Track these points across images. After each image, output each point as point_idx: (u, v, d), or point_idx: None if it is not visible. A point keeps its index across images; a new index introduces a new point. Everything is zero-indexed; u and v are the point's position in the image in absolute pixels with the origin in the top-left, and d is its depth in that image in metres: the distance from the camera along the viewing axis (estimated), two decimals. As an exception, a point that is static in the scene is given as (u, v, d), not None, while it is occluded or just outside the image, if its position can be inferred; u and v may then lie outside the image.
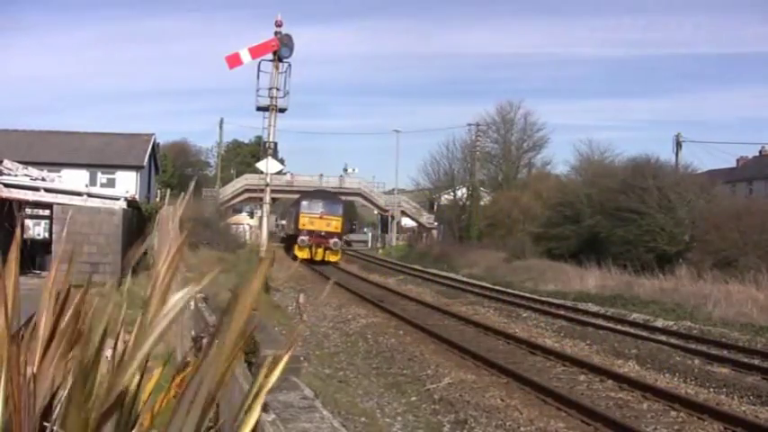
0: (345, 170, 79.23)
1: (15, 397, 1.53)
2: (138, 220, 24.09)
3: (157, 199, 40.58)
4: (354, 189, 70.48)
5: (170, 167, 66.34)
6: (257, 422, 1.58)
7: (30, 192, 20.60)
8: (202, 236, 26.68)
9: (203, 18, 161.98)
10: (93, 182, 37.60)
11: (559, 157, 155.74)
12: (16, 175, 21.42)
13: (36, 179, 22.05)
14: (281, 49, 24.18)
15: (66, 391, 1.55)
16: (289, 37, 24.53)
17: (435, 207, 68.97)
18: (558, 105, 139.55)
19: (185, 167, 76.07)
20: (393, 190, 70.61)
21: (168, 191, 37.35)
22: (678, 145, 47.18)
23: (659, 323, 19.60)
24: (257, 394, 1.53)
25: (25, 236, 25.59)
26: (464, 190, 60.64)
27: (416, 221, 70.24)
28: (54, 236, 20.64)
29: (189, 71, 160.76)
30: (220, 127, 69.29)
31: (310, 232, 41.36)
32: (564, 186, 45.86)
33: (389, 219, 68.53)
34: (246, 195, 65.63)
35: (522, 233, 44.55)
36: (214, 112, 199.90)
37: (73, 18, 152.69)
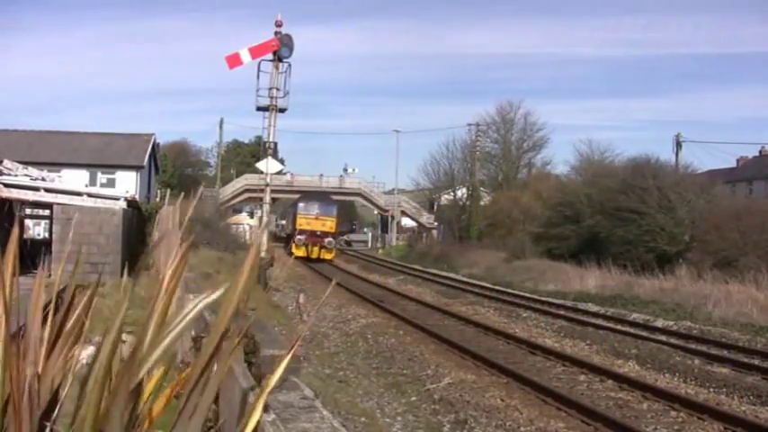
0: (345, 170, 79.27)
1: (16, 397, 1.53)
2: (138, 220, 24.08)
3: (157, 199, 40.58)
4: (354, 189, 70.47)
5: (170, 167, 66.34)
6: (258, 422, 1.59)
7: (30, 192, 20.58)
8: (202, 236, 26.68)
9: (203, 18, 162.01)
10: (93, 182, 37.64)
11: (559, 157, 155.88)
12: (16, 175, 21.40)
13: (36, 179, 22.04)
14: (281, 49, 24.15)
15: (66, 390, 1.55)
16: (289, 37, 24.50)
17: (435, 207, 68.97)
18: (558, 105, 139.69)
19: (185, 167, 76.08)
20: (393, 190, 70.62)
21: (168, 191, 37.35)
22: (678, 145, 47.22)
23: (659, 323, 19.60)
24: (259, 395, 1.53)
25: (25, 236, 25.61)
26: (464, 190, 60.64)
27: (416, 221, 70.24)
28: (54, 236, 20.62)
29: (189, 71, 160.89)
30: (220, 127, 69.38)
31: (307, 232, 44.18)
32: (564, 186, 45.86)
33: (389, 219, 68.54)
34: (246, 195, 65.64)
35: (522, 233, 44.56)
36: (214, 112, 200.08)
37: (73, 18, 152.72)
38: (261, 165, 26.17)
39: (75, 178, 32.92)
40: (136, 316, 1.77)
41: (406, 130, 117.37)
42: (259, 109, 25.47)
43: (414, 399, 11.39)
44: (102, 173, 40.39)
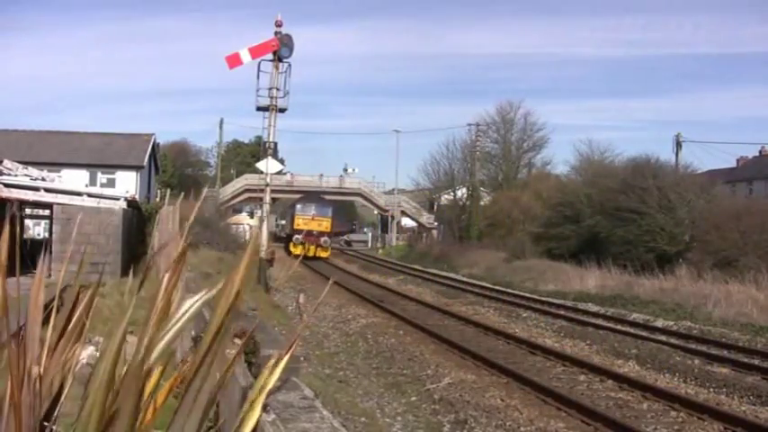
0: (345, 170, 79.25)
1: (16, 396, 1.53)
2: (138, 220, 24.09)
3: (157, 199, 40.58)
4: (354, 189, 70.46)
5: (170, 167, 66.33)
6: (257, 422, 1.59)
7: (30, 192, 20.59)
8: (202, 236, 26.67)
9: (204, 18, 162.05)
10: (93, 182, 37.63)
11: (559, 157, 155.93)
12: (16, 175, 21.41)
13: (36, 179, 22.04)
14: (281, 49, 24.12)
15: (66, 392, 1.55)
16: (289, 37, 24.48)
17: (435, 207, 68.94)
18: (558, 105, 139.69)
19: (185, 167, 76.08)
20: (393, 190, 70.59)
21: (168, 191, 37.35)
22: (678, 145, 47.20)
23: (659, 323, 19.59)
24: (258, 394, 1.53)
25: (25, 236, 25.61)
26: (464, 190, 60.60)
27: (416, 221, 70.22)
28: (54, 236, 20.63)
29: (189, 71, 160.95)
30: (220, 127, 69.32)
31: (304, 231, 47.13)
32: (564, 186, 45.84)
33: (389, 219, 68.51)
34: (246, 195, 65.61)
35: (522, 233, 44.55)
36: (214, 112, 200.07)
37: (73, 18, 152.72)
38: (261, 165, 26.14)
39: (75, 178, 32.92)
40: (136, 316, 1.77)
41: (406, 130, 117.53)
42: (259, 109, 25.44)
43: (414, 399, 11.39)
44: (102, 173, 40.38)
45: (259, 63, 24.60)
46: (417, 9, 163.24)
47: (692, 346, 15.97)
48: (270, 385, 1.53)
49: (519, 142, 64.12)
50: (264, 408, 3.38)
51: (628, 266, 28.29)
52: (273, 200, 36.38)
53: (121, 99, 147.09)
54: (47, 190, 20.91)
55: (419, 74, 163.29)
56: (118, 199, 22.15)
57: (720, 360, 14.39)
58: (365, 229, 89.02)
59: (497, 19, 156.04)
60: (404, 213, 69.68)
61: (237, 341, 4.62)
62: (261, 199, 29.66)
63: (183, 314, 1.52)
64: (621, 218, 31.76)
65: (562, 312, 21.80)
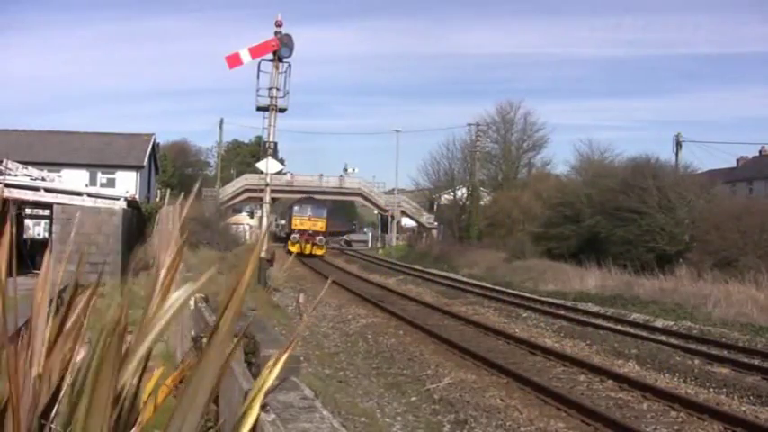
0: (345, 170, 79.26)
1: (15, 396, 1.53)
2: (138, 220, 24.10)
3: (157, 199, 40.59)
4: (354, 189, 70.44)
5: (170, 167, 66.33)
6: (257, 422, 1.58)
7: (30, 192, 20.60)
8: (202, 236, 26.67)
9: (203, 18, 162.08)
10: (93, 182, 37.63)
11: (559, 157, 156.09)
12: (16, 175, 21.41)
13: (36, 179, 22.05)
14: (281, 49, 24.11)
15: (65, 390, 1.55)
16: (289, 37, 24.47)
17: (435, 207, 68.91)
18: (558, 105, 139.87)
19: (185, 167, 76.07)
20: (393, 190, 70.57)
21: (168, 191, 37.36)
22: (678, 145, 47.18)
23: (659, 323, 19.59)
24: (257, 393, 1.53)
25: (25, 236, 25.61)
26: (464, 190, 60.58)
27: (416, 221, 70.20)
28: (54, 236, 20.63)
29: (189, 71, 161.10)
30: (220, 127, 69.28)
31: (301, 231, 50.93)
32: (564, 186, 45.82)
33: (389, 219, 68.50)
34: (246, 195, 65.59)
35: (522, 233, 44.54)
36: (214, 112, 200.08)
37: (73, 18, 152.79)
38: (261, 165, 26.13)
39: (75, 178, 32.93)
40: (136, 315, 1.77)
41: (406, 130, 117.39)
42: (259, 109, 25.43)
43: (414, 399, 11.39)
44: (102, 173, 40.39)
45: (259, 63, 24.61)
46: (417, 9, 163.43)
47: (692, 346, 15.97)
48: (268, 384, 1.53)
49: (519, 142, 64.11)
50: (264, 407, 3.37)
51: (628, 266, 28.29)
52: (273, 200, 36.36)
53: (121, 99, 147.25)
54: (47, 190, 20.92)
55: (419, 74, 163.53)
56: (118, 199, 22.16)
57: (720, 360, 14.39)
58: (365, 229, 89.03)
59: (497, 19, 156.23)
60: (404, 213, 69.66)
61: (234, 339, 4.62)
62: (261, 199, 29.66)
63: (169, 308, 1.52)
64: (621, 218, 31.76)
65: (562, 312, 21.80)
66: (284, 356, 1.57)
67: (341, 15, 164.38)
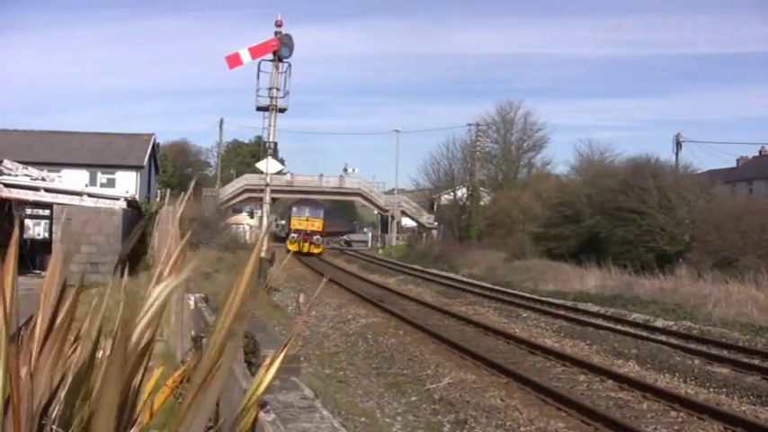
0: (345, 170, 79.26)
1: (15, 396, 1.53)
2: (138, 220, 24.09)
3: (157, 199, 40.57)
4: (354, 189, 70.44)
5: (170, 167, 66.33)
6: (257, 422, 1.59)
7: (30, 192, 20.60)
8: (202, 236, 26.66)
9: (203, 18, 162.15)
10: (93, 182, 37.62)
11: (559, 157, 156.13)
12: (16, 175, 21.41)
13: (36, 179, 22.05)
14: (281, 49, 24.11)
15: (65, 390, 1.55)
16: (289, 37, 24.47)
17: (435, 207, 68.88)
18: (558, 105, 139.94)
19: (185, 167, 76.07)
20: (393, 190, 70.56)
21: (168, 191, 37.34)
22: (678, 145, 47.16)
23: (659, 323, 19.59)
24: (254, 391, 1.53)
25: (25, 236, 25.61)
26: (464, 190, 60.56)
27: (416, 221, 70.19)
28: (54, 236, 20.63)
29: (189, 71, 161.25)
30: (220, 127, 69.24)
31: (299, 231, 53.78)
32: (564, 186, 45.80)
33: (389, 219, 68.50)
34: (246, 195, 65.61)
35: (522, 233, 44.52)
36: (214, 112, 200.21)
37: (73, 18, 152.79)
38: (261, 165, 26.13)
39: (75, 178, 32.91)
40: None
41: (406, 130, 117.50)
42: (259, 109, 25.43)
43: (414, 399, 11.39)
44: (102, 173, 40.39)
45: (259, 63, 24.62)
46: (417, 9, 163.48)
47: (692, 346, 15.96)
48: (266, 383, 1.53)
49: (519, 142, 64.08)
50: (264, 407, 3.37)
51: (628, 266, 28.28)
52: (273, 200, 36.37)
53: (121, 99, 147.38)
54: (47, 190, 20.92)
55: (419, 74, 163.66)
56: (118, 199, 22.16)
57: (720, 360, 14.38)
58: (365, 229, 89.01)
59: (497, 19, 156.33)
60: (404, 213, 69.65)
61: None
62: (261, 199, 29.66)
63: (151, 304, 1.52)
64: (621, 218, 31.75)
65: (562, 312, 21.80)
66: (281, 356, 1.57)
67: (341, 15, 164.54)
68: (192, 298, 9.78)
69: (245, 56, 23.68)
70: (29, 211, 24.72)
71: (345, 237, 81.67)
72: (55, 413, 1.60)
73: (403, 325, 18.55)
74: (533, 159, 65.08)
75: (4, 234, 15.92)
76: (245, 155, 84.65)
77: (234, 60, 23.46)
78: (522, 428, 9.75)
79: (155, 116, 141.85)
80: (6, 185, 20.05)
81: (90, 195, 21.67)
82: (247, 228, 53.44)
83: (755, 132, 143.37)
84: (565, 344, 16.58)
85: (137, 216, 24.02)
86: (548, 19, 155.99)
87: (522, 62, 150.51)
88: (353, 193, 71.07)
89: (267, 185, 26.19)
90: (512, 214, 49.22)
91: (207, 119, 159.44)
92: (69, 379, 1.59)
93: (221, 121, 68.95)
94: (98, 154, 40.61)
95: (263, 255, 24.11)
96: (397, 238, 67.39)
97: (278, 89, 24.80)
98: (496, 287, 29.71)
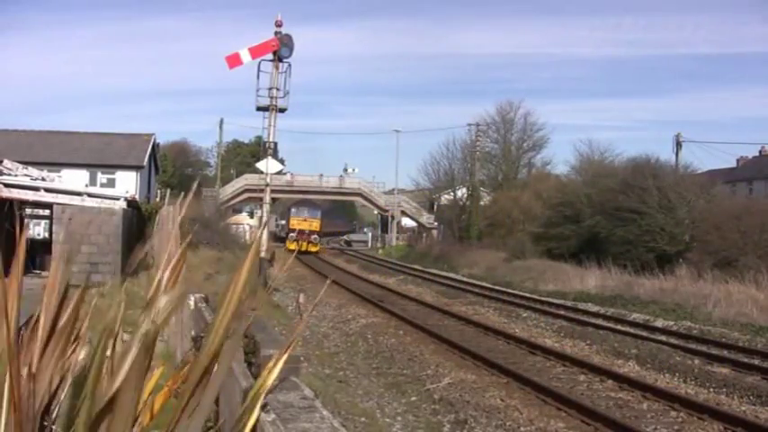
0: (345, 170, 79.22)
1: (15, 396, 1.53)
2: (138, 220, 24.10)
3: (157, 199, 40.57)
4: (354, 189, 70.44)
5: (170, 167, 66.30)
6: (257, 422, 1.59)
7: (30, 192, 20.59)
8: (202, 236, 26.66)
9: (203, 18, 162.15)
10: (93, 182, 37.60)
11: (559, 157, 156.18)
12: (16, 175, 21.41)
13: (36, 179, 22.04)
14: (281, 49, 24.10)
15: (66, 390, 1.55)
16: (289, 37, 24.46)
17: (435, 207, 68.88)
18: (558, 105, 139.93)
19: (185, 167, 76.03)
20: (393, 190, 70.56)
21: (168, 191, 37.34)
22: (678, 145, 47.15)
23: (659, 323, 19.59)
24: (257, 393, 1.53)
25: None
26: (464, 190, 60.55)
27: (416, 221, 70.18)
28: (54, 236, 20.62)
29: (189, 71, 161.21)
30: (220, 127, 69.24)
31: (298, 231, 56.42)
32: (564, 186, 45.80)
33: (389, 219, 68.50)
34: (246, 195, 65.63)
35: (522, 233, 44.52)
36: (214, 112, 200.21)
37: (73, 18, 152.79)
38: (261, 165, 26.13)
39: (75, 178, 32.90)
40: (136, 316, 1.77)
41: (406, 130, 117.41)
42: (259, 109, 25.42)
43: (414, 399, 11.39)
44: (102, 173, 40.35)
45: (259, 63, 24.61)
46: (417, 9, 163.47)
47: (692, 346, 15.97)
48: (268, 384, 1.53)
49: (519, 142, 64.07)
50: (264, 407, 3.37)
51: (628, 266, 28.28)
52: (273, 200, 36.38)
53: (121, 99, 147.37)
54: (47, 190, 20.91)
55: (419, 74, 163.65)
56: (118, 199, 22.15)
57: (720, 360, 14.38)
58: (365, 229, 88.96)
59: (497, 19, 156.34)
60: (404, 213, 69.65)
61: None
62: (261, 199, 29.66)
63: (158, 313, 1.51)
64: (621, 218, 31.75)
65: (562, 312, 21.80)
66: (284, 357, 1.57)
67: (341, 15, 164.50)
68: (192, 298, 9.79)
69: (245, 56, 23.67)
70: (29, 210, 24.71)
71: (345, 237, 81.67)
72: (56, 413, 1.61)
73: (403, 325, 18.55)
74: (533, 159, 65.15)
75: (3, 234, 15.91)
76: (245, 155, 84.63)
77: (234, 60, 23.45)
78: (522, 428, 9.75)
79: (155, 116, 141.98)
80: (6, 185, 20.05)
81: (90, 195, 21.66)
82: (247, 228, 53.42)
83: (755, 132, 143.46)
84: (565, 344, 16.58)
85: (137, 216, 24.03)
86: (548, 19, 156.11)
87: (522, 62, 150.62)
88: (353, 193, 71.08)
89: (267, 185, 26.19)
90: (512, 214, 49.22)
91: (207, 119, 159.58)
92: (69, 380, 1.59)
93: (221, 121, 69.01)
94: (98, 154, 40.58)
95: (262, 255, 24.12)
96: (397, 238, 67.39)
97: (278, 89, 24.80)
98: (496, 287, 29.71)
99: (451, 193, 62.74)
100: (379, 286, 29.54)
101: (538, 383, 11.83)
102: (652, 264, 27.89)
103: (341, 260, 49.36)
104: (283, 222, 67.34)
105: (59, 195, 21.02)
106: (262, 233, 25.85)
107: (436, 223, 65.51)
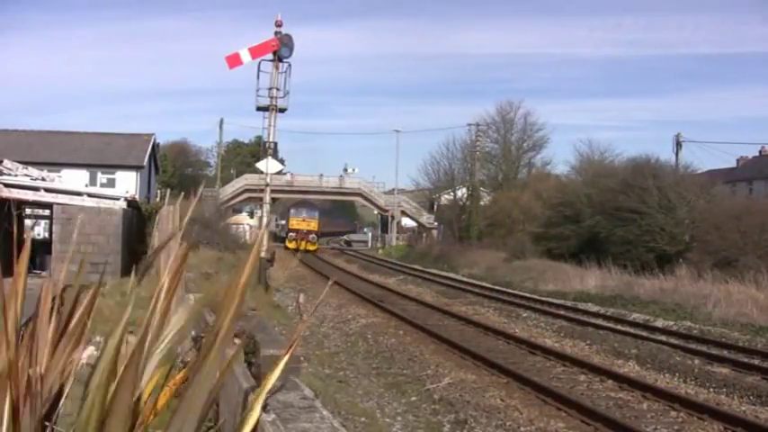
0: (345, 170, 79.27)
1: (15, 396, 1.53)
2: (138, 220, 24.10)
3: (157, 199, 40.58)
4: (354, 189, 70.45)
5: (170, 167, 66.32)
6: (257, 422, 1.59)
7: (30, 192, 20.59)
8: (202, 236, 26.67)
9: (203, 18, 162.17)
10: (93, 182, 37.62)
11: (559, 157, 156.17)
12: (16, 175, 21.41)
13: (36, 179, 22.04)
14: (280, 49, 24.07)
15: (68, 392, 1.54)
16: (289, 37, 24.43)
17: (435, 207, 68.89)
18: (558, 105, 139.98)
19: (185, 167, 76.07)
20: (393, 190, 70.56)
21: (168, 191, 37.33)
22: (678, 145, 47.15)
23: (659, 323, 19.59)
24: (259, 394, 1.53)
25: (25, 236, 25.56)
26: (464, 190, 60.57)
27: (416, 221, 70.19)
28: (54, 236, 20.63)
29: (189, 71, 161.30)
30: (220, 127, 69.25)
31: (297, 230, 58.71)
32: (564, 186, 45.81)
33: (389, 219, 68.51)
34: (246, 195, 65.67)
35: (522, 233, 44.53)
36: (214, 112, 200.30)
37: (73, 18, 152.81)
38: (261, 165, 26.10)
39: (75, 178, 32.91)
40: (135, 316, 1.77)
41: (406, 130, 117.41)
42: (259, 109, 25.39)
43: (414, 399, 11.39)
44: (102, 173, 40.36)
45: (259, 63, 24.56)
46: (417, 9, 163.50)
47: (692, 346, 15.97)
48: (270, 385, 1.53)
49: (519, 142, 64.09)
50: (264, 407, 3.37)
51: (628, 266, 28.28)
52: (273, 200, 36.35)
53: (121, 99, 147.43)
54: (47, 190, 20.91)
55: (419, 74, 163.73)
56: (118, 199, 22.15)
57: (720, 360, 14.38)
58: (365, 229, 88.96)
59: (497, 19, 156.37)
60: (404, 213, 69.65)
61: (237, 341, 4.63)
62: (261, 199, 29.64)
63: (170, 330, 1.52)
64: (621, 218, 31.75)
65: (562, 312, 21.80)
66: (285, 358, 1.57)
67: (341, 15, 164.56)
68: (192, 298, 9.78)
69: (245, 56, 23.64)
70: (29, 210, 24.73)
71: (345, 237, 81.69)
72: (57, 415, 1.61)
73: (403, 325, 18.55)
74: (533, 159, 65.17)
75: (3, 234, 15.91)
76: (245, 155, 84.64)
77: (234, 60, 23.42)
78: (522, 428, 9.75)
79: (155, 116, 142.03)
80: (6, 185, 20.05)
81: (90, 195, 21.67)
82: (247, 228, 53.45)
83: (755, 132, 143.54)
84: (565, 344, 16.58)
85: (137, 216, 24.03)
86: (548, 19, 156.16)
87: (522, 62, 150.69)
88: (353, 193, 71.10)
89: (267, 185, 26.16)
90: (512, 214, 49.22)
91: (207, 119, 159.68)
92: (71, 380, 1.59)
93: (221, 121, 69.02)
94: (98, 154, 40.59)
95: (263, 254, 24.11)
96: (397, 238, 67.40)
97: (278, 89, 24.76)
98: (496, 287, 29.71)
99: (451, 193, 62.75)
100: (379, 286, 29.53)
101: (538, 383, 11.83)
102: (652, 264, 27.89)
103: (341, 260, 49.36)
104: (283, 222, 67.49)
105: (59, 195, 21.03)
106: (263, 234, 25.85)
107: (436, 223, 65.52)
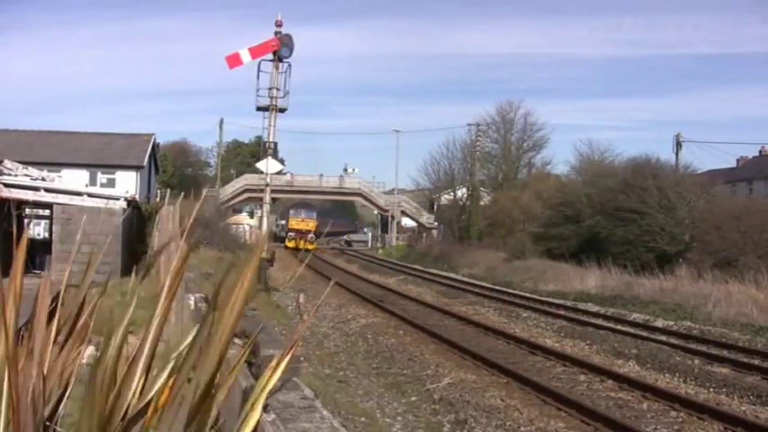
0: (345, 170, 79.24)
1: (15, 396, 1.53)
2: (138, 220, 24.10)
3: (157, 199, 40.57)
4: (354, 189, 70.45)
5: (170, 167, 66.32)
6: (257, 422, 1.59)
7: (30, 192, 20.60)
8: (202, 236, 26.66)
9: (203, 18, 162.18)
10: (93, 182, 37.61)
11: (559, 157, 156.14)
12: (16, 175, 21.42)
13: (36, 179, 22.05)
14: (281, 49, 24.08)
15: (70, 391, 1.54)
16: (289, 37, 24.44)
17: (435, 207, 68.88)
18: (558, 105, 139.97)
19: (185, 167, 76.06)
20: (393, 190, 70.56)
21: (168, 191, 37.34)
22: (678, 145, 47.16)
23: (659, 323, 19.59)
24: (259, 394, 1.53)
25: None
26: (464, 190, 60.57)
27: (416, 221, 70.18)
28: (54, 236, 20.63)
29: (189, 71, 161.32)
30: (220, 127, 69.27)
31: (296, 230, 60.85)
32: (564, 186, 45.82)
33: (389, 219, 68.50)
34: (246, 195, 65.66)
35: (522, 233, 44.52)
36: (214, 112, 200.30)
37: (73, 18, 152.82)
38: (261, 165, 26.10)
39: (75, 178, 32.90)
40: (135, 316, 1.77)
41: (406, 130, 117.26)
42: (259, 109, 25.39)
43: (414, 399, 11.39)
44: (102, 173, 40.35)
45: (259, 63, 24.57)
46: (417, 9, 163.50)
47: (692, 346, 15.97)
48: (271, 385, 1.53)
49: (519, 142, 64.10)
50: (264, 408, 3.37)
51: (628, 266, 28.28)
52: (273, 200, 36.35)
53: (121, 99, 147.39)
54: (47, 190, 20.92)
55: (419, 74, 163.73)
56: (118, 199, 22.15)
57: (720, 360, 14.38)
58: (365, 229, 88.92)
59: (497, 19, 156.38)
60: (404, 213, 69.64)
61: (237, 341, 4.62)
62: (261, 199, 29.63)
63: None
64: (621, 218, 31.75)
65: (562, 312, 21.80)
66: (287, 358, 1.57)
67: (341, 15, 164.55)
68: (192, 298, 9.78)
69: (245, 56, 23.65)
70: (29, 210, 24.74)
71: (345, 237, 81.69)
72: (58, 415, 1.60)
73: (403, 325, 18.55)
74: (533, 159, 65.18)
75: (3, 234, 15.91)
76: (245, 155, 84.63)
77: (234, 60, 23.42)
78: (522, 428, 9.75)
79: (155, 116, 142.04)
80: (6, 185, 20.05)
81: (90, 195, 21.67)
82: (247, 228, 53.44)
83: (755, 132, 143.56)
84: (565, 344, 16.58)
85: (137, 216, 24.03)
86: (548, 19, 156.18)
87: (522, 62, 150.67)
88: (353, 193, 71.09)
89: (267, 185, 26.16)
90: (512, 214, 49.22)
91: (207, 119, 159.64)
92: (73, 380, 1.59)
93: (221, 121, 69.06)
94: (98, 154, 40.58)
95: (263, 254, 24.11)
96: (397, 238, 67.39)
97: (278, 89, 24.76)
98: (496, 287, 29.71)
99: (451, 193, 62.75)
100: (380, 286, 29.53)
101: (538, 383, 11.83)
102: (652, 264, 27.89)
103: (341, 260, 49.35)
104: (283, 222, 67.69)
105: (59, 195, 21.03)
106: (264, 234, 25.85)
107: (436, 223, 65.52)
